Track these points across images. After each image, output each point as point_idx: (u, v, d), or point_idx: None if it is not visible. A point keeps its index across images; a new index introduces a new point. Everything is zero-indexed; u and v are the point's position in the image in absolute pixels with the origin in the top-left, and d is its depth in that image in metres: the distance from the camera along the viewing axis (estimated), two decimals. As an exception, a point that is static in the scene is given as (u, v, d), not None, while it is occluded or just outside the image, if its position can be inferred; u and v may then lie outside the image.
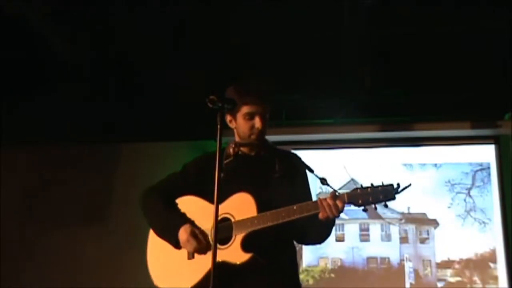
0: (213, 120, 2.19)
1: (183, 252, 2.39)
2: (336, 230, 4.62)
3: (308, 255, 4.61)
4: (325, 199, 2.22)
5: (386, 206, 2.21)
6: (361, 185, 2.23)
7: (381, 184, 2.21)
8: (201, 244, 2.33)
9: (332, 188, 2.29)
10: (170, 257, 2.42)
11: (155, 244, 2.50)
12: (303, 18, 3.93)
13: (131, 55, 4.35)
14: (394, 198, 2.19)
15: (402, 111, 4.61)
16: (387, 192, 2.19)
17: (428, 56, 4.22)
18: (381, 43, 4.15)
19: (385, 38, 4.13)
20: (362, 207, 2.22)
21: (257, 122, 2.41)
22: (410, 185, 2.19)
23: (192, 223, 2.38)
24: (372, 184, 2.22)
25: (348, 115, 4.64)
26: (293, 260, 2.51)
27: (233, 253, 2.26)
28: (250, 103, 2.41)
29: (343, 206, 2.22)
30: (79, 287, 4.40)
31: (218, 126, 2.16)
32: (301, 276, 4.55)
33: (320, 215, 2.22)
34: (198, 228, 2.37)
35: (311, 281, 4.56)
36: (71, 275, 4.46)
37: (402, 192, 2.19)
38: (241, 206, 2.33)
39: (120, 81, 4.53)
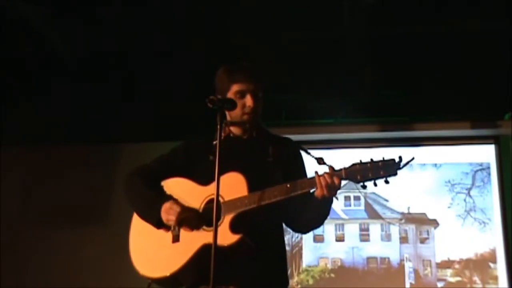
0: (213, 120, 2.19)
1: (167, 237, 2.30)
2: (336, 230, 4.63)
3: (308, 255, 4.61)
4: (322, 175, 2.11)
5: (387, 182, 2.05)
6: (360, 160, 2.09)
7: (382, 158, 2.06)
8: (186, 212, 2.20)
9: (329, 166, 2.12)
10: (153, 242, 2.32)
11: (137, 231, 2.41)
12: (303, 18, 3.93)
13: (131, 55, 4.35)
14: (395, 174, 2.03)
15: (402, 111, 4.61)
16: (388, 167, 2.03)
17: (428, 56, 4.22)
18: (381, 43, 4.15)
19: (385, 38, 4.13)
20: (361, 184, 2.07)
21: (248, 100, 2.31)
22: (413, 159, 2.03)
23: (177, 201, 2.27)
24: (372, 159, 2.07)
25: (348, 115, 4.64)
26: (283, 246, 2.40)
27: (221, 235, 2.09)
28: (240, 81, 2.33)
29: (340, 183, 2.09)
30: (79, 287, 4.40)
31: (218, 126, 2.14)
32: (301, 276, 4.56)
33: (316, 193, 2.11)
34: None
35: (311, 281, 4.55)
36: (71, 275, 4.45)
37: (405, 168, 2.02)
38: (231, 185, 2.19)
39: (120, 81, 4.53)
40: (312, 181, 2.13)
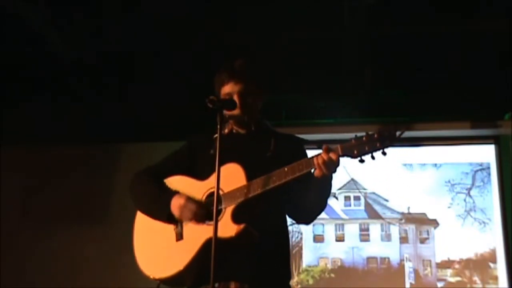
0: (213, 120, 2.19)
1: (171, 236, 2.30)
2: (336, 230, 4.63)
3: (308, 255, 4.61)
4: (318, 154, 2.10)
5: (384, 154, 2.04)
6: (356, 135, 2.07)
7: (377, 131, 2.05)
8: (200, 205, 2.21)
9: (324, 145, 2.12)
10: (157, 243, 2.33)
11: (140, 234, 2.41)
12: (303, 18, 3.93)
13: (131, 55, 4.35)
14: (392, 145, 2.03)
15: (402, 111, 4.61)
16: (384, 139, 2.02)
17: (428, 56, 4.22)
18: (381, 43, 4.15)
19: (385, 38, 4.13)
20: (358, 158, 2.05)
21: (236, 101, 2.31)
22: (407, 128, 2.02)
23: (186, 195, 2.27)
24: (367, 133, 2.06)
25: (348, 115, 4.64)
26: (286, 237, 2.38)
27: (224, 227, 2.09)
28: (228, 82, 2.35)
29: (338, 159, 2.08)
30: (79, 287, 4.40)
31: (218, 126, 2.14)
32: (301, 276, 4.56)
33: (316, 173, 2.10)
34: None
35: (311, 281, 4.55)
36: (71, 275, 4.46)
37: (401, 137, 2.01)
38: (229, 176, 2.18)
39: (120, 81, 4.53)
40: (309, 162, 2.12)
